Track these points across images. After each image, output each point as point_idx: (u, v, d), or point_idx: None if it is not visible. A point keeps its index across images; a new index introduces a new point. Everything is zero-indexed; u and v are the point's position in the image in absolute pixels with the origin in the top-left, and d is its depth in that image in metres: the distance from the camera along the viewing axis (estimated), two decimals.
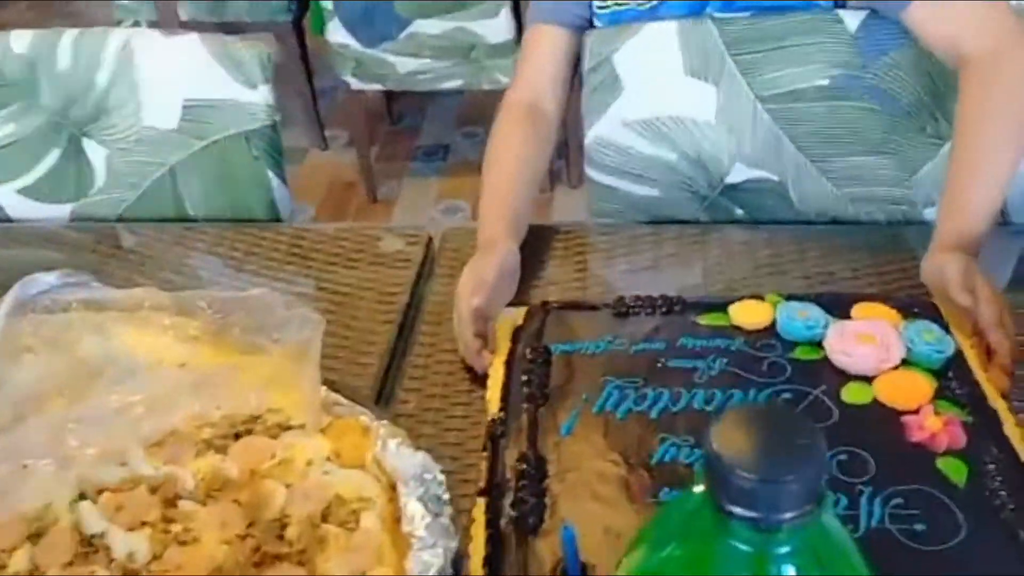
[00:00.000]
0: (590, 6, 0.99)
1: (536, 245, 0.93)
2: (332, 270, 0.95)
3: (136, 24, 2.45)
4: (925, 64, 0.92)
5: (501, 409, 0.70)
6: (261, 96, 1.02)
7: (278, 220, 1.09)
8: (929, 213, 0.98)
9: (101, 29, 1.05)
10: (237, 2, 2.41)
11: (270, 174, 1.06)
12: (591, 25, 1.00)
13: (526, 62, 1.00)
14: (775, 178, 1.00)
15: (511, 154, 0.93)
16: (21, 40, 1.05)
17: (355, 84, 2.23)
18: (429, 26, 2.10)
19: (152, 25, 2.38)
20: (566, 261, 0.94)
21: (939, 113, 0.93)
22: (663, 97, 0.98)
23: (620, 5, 0.97)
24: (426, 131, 2.70)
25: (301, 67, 2.52)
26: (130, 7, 2.43)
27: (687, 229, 0.98)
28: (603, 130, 0.99)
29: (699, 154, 0.99)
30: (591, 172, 1.01)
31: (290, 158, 2.74)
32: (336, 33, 2.14)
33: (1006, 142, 0.81)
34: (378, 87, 2.30)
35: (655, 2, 0.96)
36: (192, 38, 1.02)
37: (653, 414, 0.66)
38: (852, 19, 0.92)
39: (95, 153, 1.07)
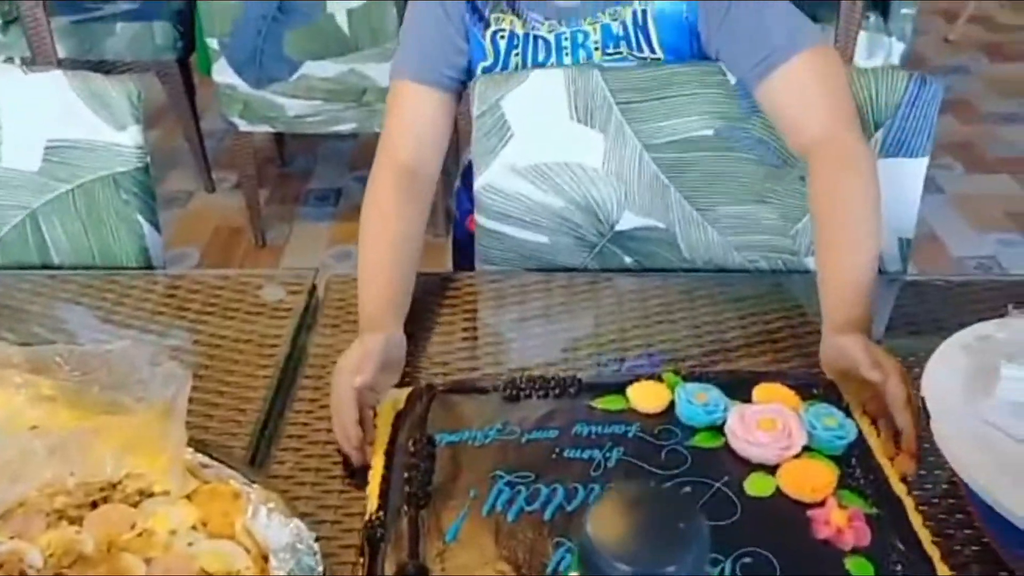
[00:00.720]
0: (469, 67, 0.98)
1: (423, 295, 0.91)
2: (208, 320, 0.91)
3: (9, 60, 2.34)
4: None
5: (379, 508, 0.64)
6: (130, 137, 0.97)
7: (150, 268, 1.03)
8: (810, 262, 1.00)
9: None
10: (117, 38, 2.32)
11: (140, 219, 1.00)
12: (464, 85, 0.98)
13: (399, 121, 0.96)
14: (663, 226, 1.00)
15: (390, 229, 0.89)
16: None
17: (243, 126, 2.17)
18: (320, 68, 2.07)
19: (26, 62, 2.28)
20: (455, 311, 0.92)
21: None
22: (551, 143, 0.97)
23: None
24: (318, 174, 2.65)
25: (187, 107, 2.44)
26: (2, 42, 2.32)
27: (577, 277, 0.97)
28: (491, 176, 0.98)
29: (587, 201, 0.99)
30: (480, 218, 1.00)
31: (175, 201, 2.65)
32: (223, 73, 2.08)
33: (866, 221, 0.83)
34: (267, 129, 2.25)
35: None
36: (56, 75, 0.97)
37: (547, 515, 0.61)
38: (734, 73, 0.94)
39: None
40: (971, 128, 2.85)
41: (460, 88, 0.98)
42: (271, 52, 2.06)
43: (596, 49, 0.95)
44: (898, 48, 2.30)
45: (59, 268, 1.02)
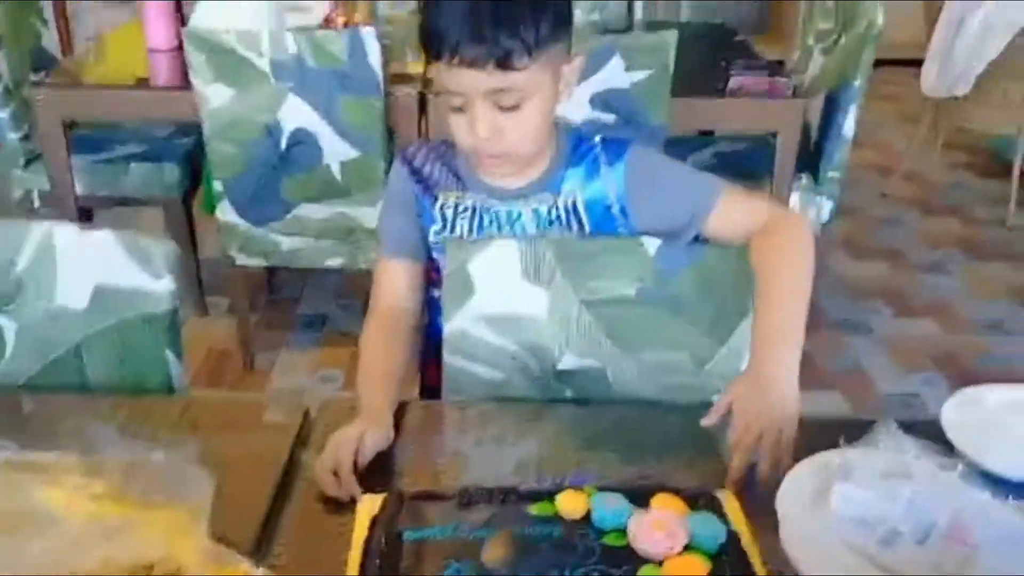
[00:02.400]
0: (425, 233, 1.23)
1: (401, 418, 1.11)
2: (218, 437, 1.09)
3: (28, 192, 2.58)
4: (706, 282, 1.18)
5: None
6: (164, 285, 1.18)
7: (172, 391, 1.22)
8: (716, 398, 1.21)
9: (24, 222, 1.20)
10: (130, 176, 2.57)
11: (168, 352, 1.20)
12: (430, 253, 1.24)
13: (383, 291, 1.22)
14: (597, 366, 1.22)
15: (380, 360, 1.15)
16: None
17: (240, 259, 2.39)
18: (313, 210, 2.31)
19: (45, 195, 2.51)
20: (426, 432, 1.13)
21: (720, 320, 1.19)
22: (507, 298, 1.20)
23: (452, 238, 1.22)
24: (305, 302, 2.86)
25: (188, 239, 2.67)
26: (25, 178, 2.55)
27: (525, 407, 1.18)
28: (458, 323, 1.20)
29: (535, 345, 1.21)
30: (448, 357, 1.21)
31: (185, 327, 2.83)
32: (226, 212, 2.31)
33: (796, 286, 1.09)
34: (262, 263, 2.46)
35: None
36: (107, 234, 1.18)
37: None
38: (651, 246, 1.18)
39: (7, 327, 1.20)
40: (901, 275, 3.13)
41: (427, 252, 1.24)
42: (270, 195, 2.30)
43: (529, 226, 1.20)
44: (827, 205, 2.59)
45: (94, 391, 1.21)
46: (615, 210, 1.18)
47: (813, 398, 2.40)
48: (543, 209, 1.19)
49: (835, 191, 2.58)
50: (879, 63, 4.60)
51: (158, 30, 2.53)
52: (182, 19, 2.53)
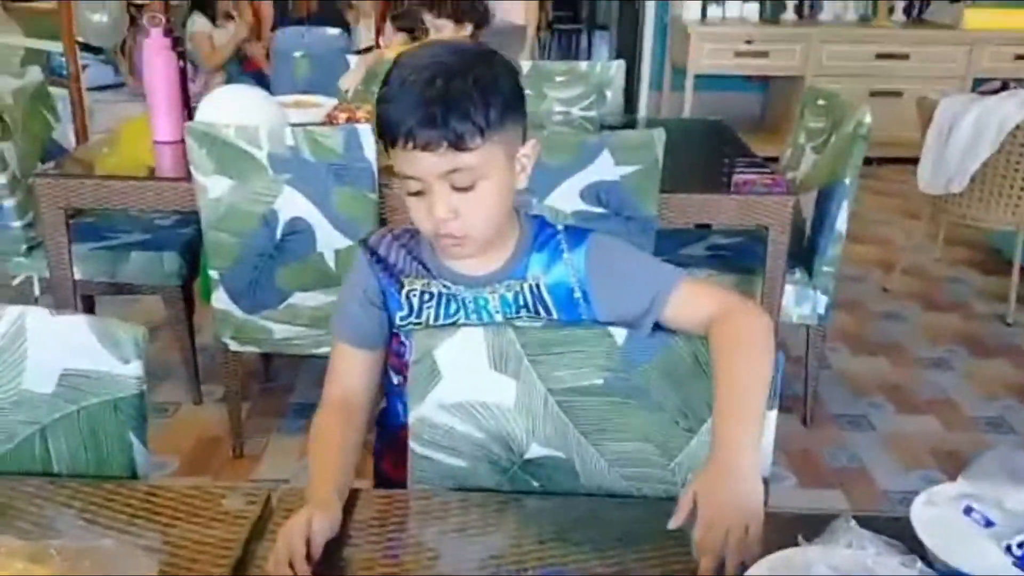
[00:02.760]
0: (390, 320, 1.24)
1: (364, 506, 1.10)
2: (177, 525, 1.07)
3: (29, 279, 2.62)
4: (675, 372, 1.17)
5: None
6: (132, 370, 1.18)
7: (135, 477, 1.22)
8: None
9: None
10: (130, 264, 2.61)
11: (133, 437, 1.20)
12: (390, 336, 1.25)
13: (338, 376, 1.23)
14: (564, 456, 1.20)
15: (332, 446, 1.16)
16: None
17: (234, 347, 2.41)
18: (307, 298, 2.33)
19: (45, 282, 2.55)
20: (387, 522, 1.11)
21: (688, 411, 1.17)
22: (473, 386, 1.19)
23: (418, 324, 1.22)
24: (299, 390, 2.87)
25: (185, 326, 2.69)
26: (24, 263, 2.60)
27: (491, 497, 1.16)
28: (424, 411, 1.19)
29: (501, 433, 1.20)
30: (413, 445, 1.20)
31: (163, 411, 2.84)
32: (220, 301, 2.34)
33: (755, 374, 1.09)
34: (255, 350, 2.48)
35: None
36: (78, 319, 1.19)
37: None
38: (619, 335, 1.18)
39: None
40: (903, 371, 3.11)
41: (386, 341, 1.26)
42: (264, 284, 2.32)
43: (497, 312, 1.21)
44: (822, 300, 2.59)
45: (58, 475, 1.20)
46: (577, 295, 1.19)
47: (813, 496, 2.40)
48: (509, 296, 1.20)
49: (829, 285, 2.58)
50: (880, 160, 4.71)
51: (164, 124, 2.61)
52: (190, 114, 2.61)
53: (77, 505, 1.11)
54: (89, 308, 2.74)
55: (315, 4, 5.54)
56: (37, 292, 2.66)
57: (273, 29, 4.87)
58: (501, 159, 1.12)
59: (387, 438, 1.34)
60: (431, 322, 1.22)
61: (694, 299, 1.17)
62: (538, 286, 1.20)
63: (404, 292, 1.23)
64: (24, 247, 2.57)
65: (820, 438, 2.69)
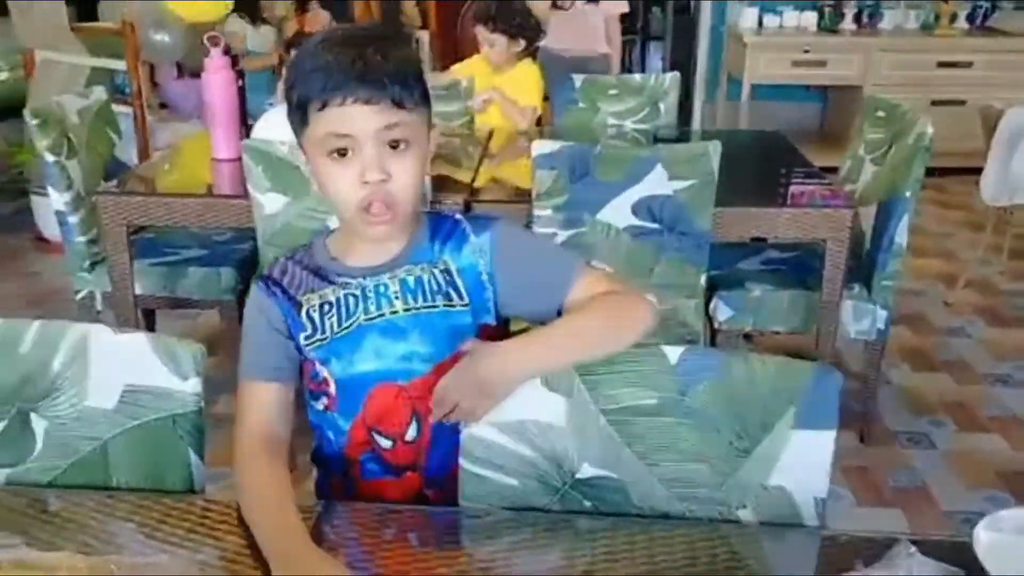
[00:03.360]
0: (297, 348, 1.22)
1: (415, 526, 1.10)
2: (231, 539, 1.09)
3: (91, 294, 2.68)
4: (730, 392, 1.16)
5: None
6: (191, 386, 1.20)
7: (192, 491, 1.24)
8: (742, 513, 1.17)
9: (62, 323, 1.24)
10: (188, 279, 2.66)
11: (191, 452, 1.22)
12: (300, 368, 1.23)
13: (253, 414, 1.20)
14: (615, 476, 1.19)
15: (282, 494, 1.12)
16: None
17: None
18: None
19: (107, 297, 2.61)
20: (437, 541, 1.11)
21: (742, 431, 1.15)
22: (525, 405, 1.18)
23: (323, 340, 1.21)
24: None
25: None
26: (88, 278, 2.66)
27: (542, 517, 1.16)
28: (476, 429, 1.19)
29: (553, 453, 1.19)
30: (464, 463, 1.20)
31: (221, 424, 2.87)
32: None
33: (592, 329, 1.17)
34: None
35: (351, 327, 1.20)
36: (139, 336, 1.22)
37: None
38: (673, 354, 1.17)
39: (38, 426, 1.23)
40: (966, 388, 3.02)
41: (296, 370, 1.24)
42: None
43: (397, 298, 1.20)
44: (882, 315, 2.54)
45: (117, 489, 1.23)
46: (484, 278, 1.21)
47: (871, 515, 2.34)
48: (411, 279, 1.20)
49: (889, 300, 2.53)
50: (942, 171, 4.60)
51: (222, 142, 2.66)
52: (247, 132, 2.66)
53: (136, 519, 1.13)
54: (149, 322, 2.80)
55: (374, 13, 5.47)
56: (99, 306, 2.71)
57: None
58: (423, 130, 1.16)
59: (328, 470, 1.31)
60: (333, 331, 1.20)
61: (594, 285, 1.21)
62: (449, 270, 1.21)
63: (304, 312, 1.21)
64: (87, 262, 2.64)
65: (879, 456, 2.63)
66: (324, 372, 1.22)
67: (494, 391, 1.16)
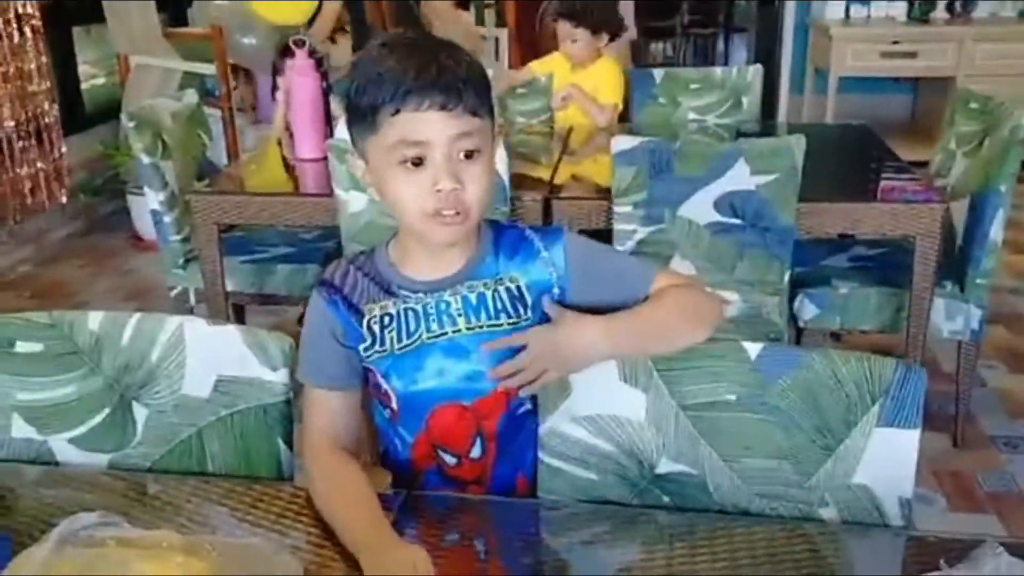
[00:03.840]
0: (359, 358, 1.20)
1: (486, 515, 1.12)
2: (320, 524, 1.11)
3: (185, 290, 2.79)
4: (812, 388, 1.14)
5: None
6: (280, 377, 1.25)
7: (282, 478, 1.28)
8: (824, 512, 1.16)
9: (159, 315, 1.30)
10: (276, 276, 2.74)
11: (280, 441, 1.26)
12: (365, 377, 1.21)
13: (319, 423, 1.19)
14: (695, 472, 1.19)
15: (343, 482, 1.13)
16: (95, 319, 1.31)
17: None
18: None
19: (200, 293, 2.72)
20: (516, 531, 1.12)
21: (825, 429, 1.14)
22: (603, 399, 1.19)
23: (382, 352, 1.19)
24: None
25: None
26: (181, 275, 2.77)
27: (621, 511, 1.17)
28: (554, 422, 1.20)
29: (631, 447, 1.19)
30: (543, 456, 1.21)
31: None
32: None
33: (670, 322, 1.18)
34: None
35: (413, 345, 1.18)
36: (231, 329, 1.27)
37: None
38: (753, 349, 1.16)
39: (139, 413, 1.29)
40: None
41: (359, 377, 1.22)
42: None
43: (460, 315, 1.18)
44: (976, 314, 2.46)
45: (212, 475, 1.28)
46: (556, 291, 1.20)
47: (963, 520, 2.28)
48: (473, 296, 1.18)
49: (983, 298, 2.44)
50: None
51: (307, 142, 2.73)
52: (330, 131, 2.72)
53: (229, 503, 1.17)
54: (239, 318, 2.90)
55: (388, 6, 5.06)
56: (192, 302, 2.82)
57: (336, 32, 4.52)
58: (491, 139, 1.15)
59: (395, 473, 1.29)
60: (394, 347, 1.18)
61: (667, 283, 1.21)
62: (518, 287, 1.19)
63: (365, 322, 1.19)
64: (181, 260, 2.74)
65: (973, 460, 2.54)
66: (385, 385, 1.21)
67: (568, 363, 1.16)
